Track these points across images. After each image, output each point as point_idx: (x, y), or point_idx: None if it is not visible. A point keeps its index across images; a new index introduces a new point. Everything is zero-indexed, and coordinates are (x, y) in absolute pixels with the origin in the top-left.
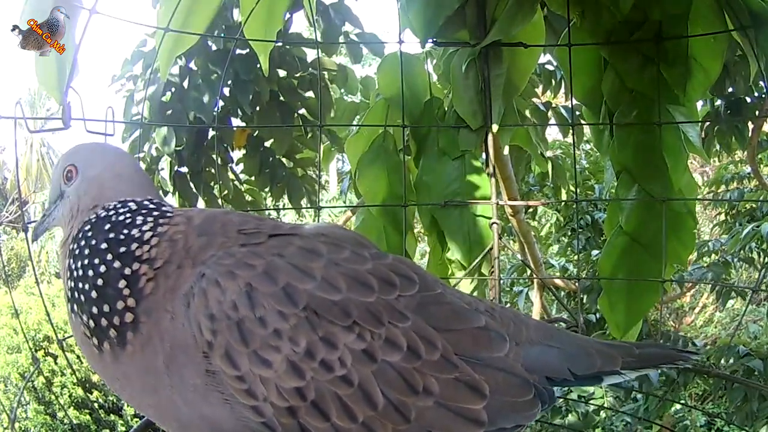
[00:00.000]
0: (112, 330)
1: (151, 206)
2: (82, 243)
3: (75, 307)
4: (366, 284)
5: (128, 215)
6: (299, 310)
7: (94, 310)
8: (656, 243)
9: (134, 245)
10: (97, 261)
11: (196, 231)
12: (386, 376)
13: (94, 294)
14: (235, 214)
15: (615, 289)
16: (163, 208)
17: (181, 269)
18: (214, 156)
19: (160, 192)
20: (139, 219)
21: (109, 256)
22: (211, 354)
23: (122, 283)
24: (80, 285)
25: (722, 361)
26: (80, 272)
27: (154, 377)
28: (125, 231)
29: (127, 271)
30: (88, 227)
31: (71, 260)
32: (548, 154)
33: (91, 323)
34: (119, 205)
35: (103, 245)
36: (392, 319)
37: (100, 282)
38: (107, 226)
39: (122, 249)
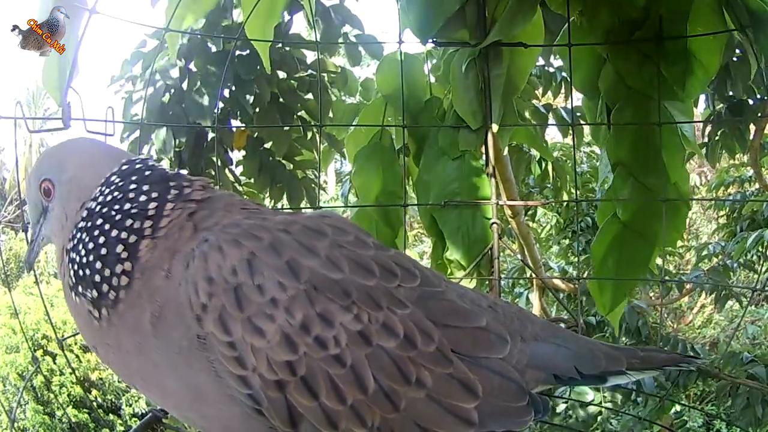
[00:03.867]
0: (112, 292)
1: (138, 165)
2: (79, 235)
3: (80, 287)
4: (368, 269)
5: (116, 193)
6: (300, 284)
7: (97, 278)
8: (648, 228)
9: (129, 221)
10: (96, 233)
11: (200, 205)
12: (380, 362)
13: (98, 264)
14: (237, 197)
15: (604, 271)
16: (151, 164)
17: (182, 231)
18: (214, 157)
19: None
20: (132, 187)
21: (107, 226)
22: (204, 317)
23: (120, 248)
24: (84, 260)
25: (728, 368)
26: (82, 252)
27: (140, 337)
28: (116, 206)
29: (124, 235)
30: (81, 223)
31: (72, 254)
32: None
33: (94, 293)
34: (104, 188)
35: (99, 221)
36: (391, 305)
37: (103, 251)
38: (98, 207)
39: (117, 218)
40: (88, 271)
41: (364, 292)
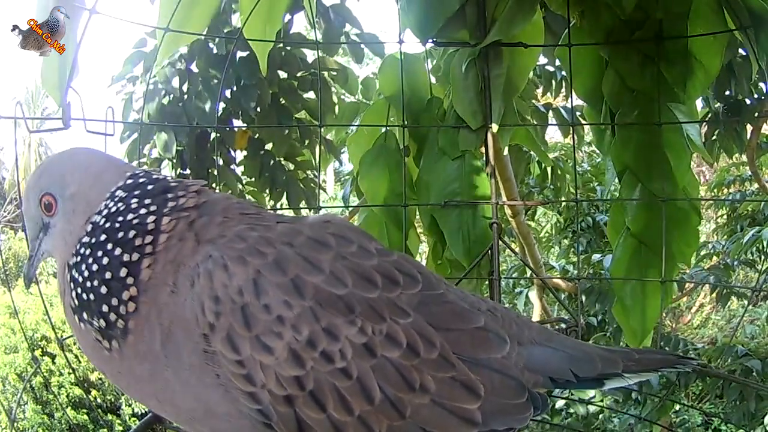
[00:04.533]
0: (120, 321)
1: (141, 180)
2: (82, 250)
3: (84, 314)
4: (370, 280)
5: (120, 204)
6: (305, 301)
7: (104, 307)
8: (661, 242)
9: (132, 232)
10: (100, 253)
11: (198, 211)
12: (385, 372)
13: (103, 289)
14: (234, 200)
15: (628, 297)
16: (155, 177)
17: (182, 242)
18: (215, 158)
19: None
20: (134, 201)
21: (110, 246)
22: (211, 336)
23: (124, 272)
24: (88, 284)
25: (720, 361)
26: (85, 273)
27: (152, 361)
28: (120, 218)
29: (126, 258)
30: (85, 237)
31: (73, 271)
32: (549, 155)
33: (102, 323)
34: (109, 201)
35: (102, 236)
36: (393, 315)
37: (107, 275)
38: (102, 221)
39: (120, 235)
40: (92, 296)
41: (367, 305)
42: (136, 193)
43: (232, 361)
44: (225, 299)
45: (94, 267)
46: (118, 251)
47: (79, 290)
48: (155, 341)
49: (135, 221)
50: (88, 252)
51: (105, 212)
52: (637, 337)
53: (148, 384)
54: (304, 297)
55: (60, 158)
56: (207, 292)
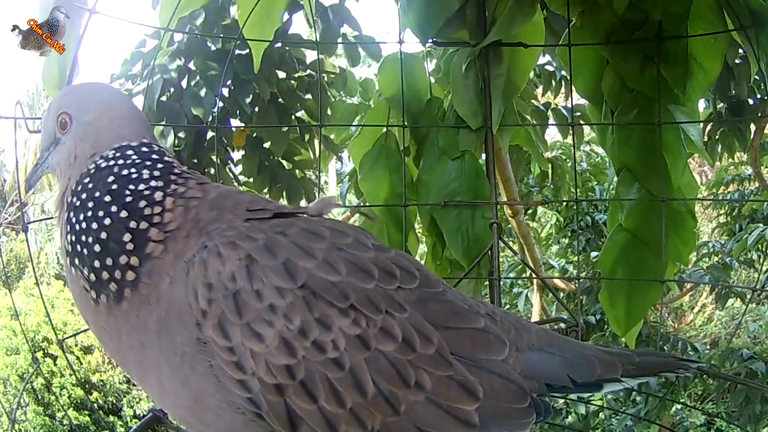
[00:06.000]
0: (113, 284)
1: (154, 156)
2: (83, 196)
3: (76, 260)
4: (366, 271)
5: (132, 169)
6: (297, 288)
7: (96, 263)
8: (657, 241)
9: (142, 203)
10: (101, 213)
11: (209, 205)
12: (378, 365)
13: (97, 247)
14: (247, 195)
15: (616, 285)
16: (166, 159)
17: (188, 238)
18: (213, 156)
19: None
20: (146, 173)
21: (114, 208)
22: (204, 323)
23: (127, 237)
24: (83, 238)
25: (727, 364)
26: (83, 225)
27: (143, 335)
28: (131, 186)
29: (133, 224)
30: (87, 179)
31: (71, 213)
32: (548, 155)
33: (92, 276)
34: (118, 154)
35: (107, 197)
36: (390, 309)
37: (103, 235)
38: (110, 179)
39: (129, 200)
40: (86, 251)
41: (362, 295)
42: (148, 164)
43: (223, 348)
44: (218, 286)
45: (94, 225)
46: (123, 214)
47: (74, 237)
48: (151, 321)
49: (146, 192)
50: (90, 204)
51: (113, 165)
52: (621, 325)
53: (134, 352)
54: (295, 281)
55: (89, 87)
56: (201, 279)
